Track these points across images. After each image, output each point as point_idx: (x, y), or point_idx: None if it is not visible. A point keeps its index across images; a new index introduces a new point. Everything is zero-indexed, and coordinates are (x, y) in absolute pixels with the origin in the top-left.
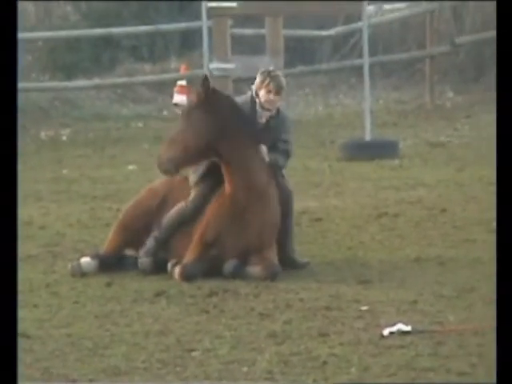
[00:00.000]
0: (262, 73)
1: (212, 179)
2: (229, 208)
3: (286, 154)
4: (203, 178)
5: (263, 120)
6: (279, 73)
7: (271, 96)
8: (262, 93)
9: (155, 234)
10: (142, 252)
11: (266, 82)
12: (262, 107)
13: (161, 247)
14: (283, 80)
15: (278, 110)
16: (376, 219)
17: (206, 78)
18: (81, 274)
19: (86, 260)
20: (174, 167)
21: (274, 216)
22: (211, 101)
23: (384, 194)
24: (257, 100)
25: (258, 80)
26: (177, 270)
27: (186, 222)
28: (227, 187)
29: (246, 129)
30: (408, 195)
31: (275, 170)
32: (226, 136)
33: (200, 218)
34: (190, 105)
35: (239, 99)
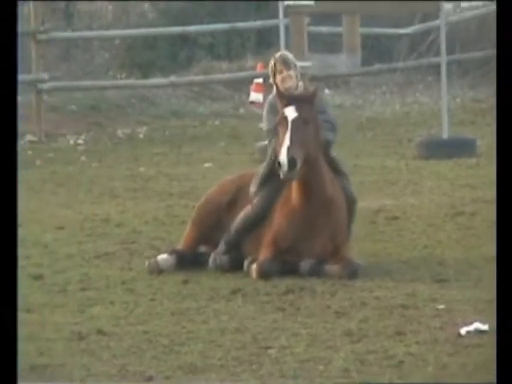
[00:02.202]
0: (270, 61)
1: (275, 180)
2: (299, 216)
3: (333, 129)
4: (266, 179)
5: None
6: (283, 51)
7: (284, 73)
8: (277, 78)
9: (225, 237)
10: (213, 253)
11: (273, 65)
12: (285, 89)
13: (231, 250)
14: (288, 55)
15: (303, 88)
16: (453, 218)
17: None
18: (158, 270)
19: (163, 257)
20: (298, 172)
21: (342, 218)
22: (316, 111)
23: (461, 193)
24: (278, 85)
25: (269, 71)
26: (253, 267)
27: (253, 225)
28: (293, 196)
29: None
30: (485, 194)
31: (338, 172)
32: (320, 149)
33: (267, 219)
34: (307, 112)
35: (270, 96)
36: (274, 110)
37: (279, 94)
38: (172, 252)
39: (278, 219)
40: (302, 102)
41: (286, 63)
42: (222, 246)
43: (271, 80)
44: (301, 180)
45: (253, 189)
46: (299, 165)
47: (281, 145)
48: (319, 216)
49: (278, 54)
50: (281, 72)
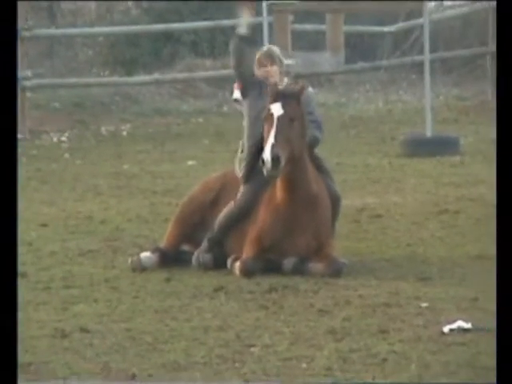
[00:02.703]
0: (257, 55)
1: (258, 177)
2: (283, 214)
3: (318, 126)
4: (250, 175)
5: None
6: (270, 46)
7: (268, 67)
8: (260, 71)
9: (208, 235)
10: (197, 251)
11: (257, 58)
12: (268, 83)
13: (214, 247)
14: (274, 50)
15: (288, 84)
16: (436, 216)
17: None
18: (141, 268)
19: (146, 255)
20: (282, 169)
21: (326, 216)
22: (301, 108)
23: (444, 191)
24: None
25: (255, 65)
26: (237, 265)
27: (236, 221)
28: (278, 194)
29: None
30: (469, 192)
31: (322, 170)
32: (305, 147)
33: (250, 216)
34: (293, 110)
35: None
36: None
37: (268, 89)
38: (155, 250)
39: (262, 216)
40: (289, 98)
41: (270, 57)
42: (205, 244)
43: (255, 73)
44: (285, 177)
45: (240, 172)
46: (283, 162)
47: (265, 141)
48: (303, 213)
49: (264, 48)
50: (265, 66)
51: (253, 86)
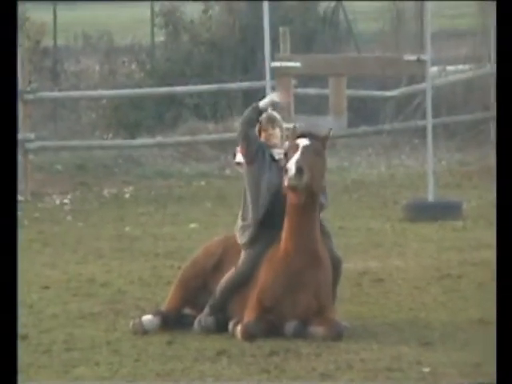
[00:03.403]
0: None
1: (261, 242)
2: (284, 271)
3: (325, 193)
4: (252, 240)
5: (276, 157)
6: (271, 111)
7: (269, 131)
8: (262, 135)
9: (210, 300)
10: (199, 316)
11: (259, 123)
12: (270, 147)
13: (217, 312)
14: (274, 113)
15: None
16: (438, 280)
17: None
18: (143, 331)
19: (147, 318)
20: (305, 186)
21: (328, 278)
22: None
23: (447, 256)
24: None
25: (256, 129)
26: (238, 329)
27: (237, 286)
28: (283, 245)
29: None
30: (471, 257)
31: (324, 232)
32: (320, 194)
33: (252, 280)
34: (318, 146)
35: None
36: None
37: (294, 131)
38: (157, 313)
39: (263, 277)
40: (315, 138)
41: (271, 122)
42: (207, 310)
43: (256, 132)
44: (297, 220)
45: (242, 240)
46: (305, 176)
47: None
48: (305, 269)
49: (266, 113)
50: (266, 130)
51: (258, 151)
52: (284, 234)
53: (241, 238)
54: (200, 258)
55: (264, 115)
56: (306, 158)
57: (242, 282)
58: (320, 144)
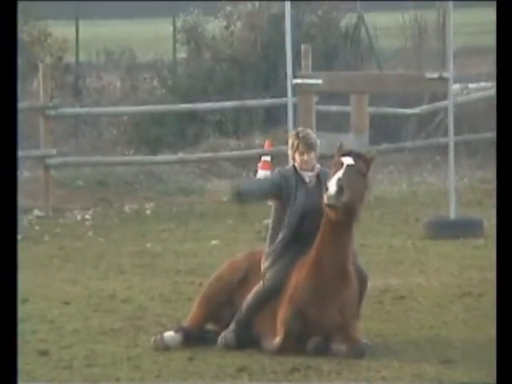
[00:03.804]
0: (291, 135)
1: (288, 257)
2: (313, 283)
3: None
4: (279, 255)
5: (307, 180)
6: (308, 131)
7: (305, 157)
8: (296, 157)
9: (236, 316)
10: (224, 332)
11: (295, 144)
12: (302, 169)
13: (243, 328)
14: (312, 137)
15: (319, 169)
16: (460, 298)
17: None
18: (164, 348)
19: (169, 334)
20: (345, 206)
21: (354, 295)
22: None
23: (468, 274)
24: (296, 165)
25: (289, 144)
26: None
27: (265, 302)
28: (313, 257)
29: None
30: (492, 275)
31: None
32: (359, 212)
33: (279, 295)
34: (362, 166)
35: (284, 170)
36: (281, 178)
37: (340, 149)
38: (178, 329)
39: (292, 288)
40: (360, 158)
41: (309, 146)
42: (232, 325)
43: (289, 153)
44: (329, 236)
45: (264, 265)
46: (345, 196)
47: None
48: (333, 285)
49: (302, 133)
50: (302, 154)
51: (281, 185)
52: (315, 249)
53: (263, 264)
54: (225, 273)
55: (301, 135)
56: (348, 177)
57: (270, 297)
58: (364, 165)
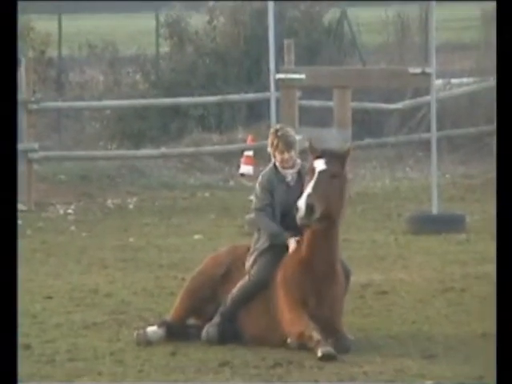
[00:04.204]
0: (271, 133)
1: (274, 251)
2: (305, 278)
3: None
4: (265, 250)
5: (289, 178)
6: (286, 129)
7: (285, 156)
8: (276, 155)
9: (221, 309)
10: (207, 326)
11: (275, 143)
12: (283, 167)
13: (227, 321)
14: (290, 135)
15: (300, 165)
16: (442, 293)
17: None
18: (146, 342)
19: (152, 329)
20: (317, 221)
21: (341, 291)
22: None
23: (450, 269)
24: (276, 163)
25: (269, 142)
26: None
27: (251, 295)
28: (304, 254)
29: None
30: (475, 270)
31: None
32: (342, 211)
33: (265, 289)
34: (335, 167)
35: (266, 173)
36: (269, 186)
37: (311, 147)
38: (161, 324)
39: (281, 281)
40: (333, 157)
41: (288, 144)
42: (217, 318)
43: (269, 151)
44: (318, 233)
45: (249, 260)
46: (317, 212)
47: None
48: (324, 280)
49: (281, 131)
50: (282, 152)
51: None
52: (304, 245)
53: (248, 259)
54: (208, 267)
55: (280, 134)
56: (321, 186)
57: (256, 292)
58: (339, 163)
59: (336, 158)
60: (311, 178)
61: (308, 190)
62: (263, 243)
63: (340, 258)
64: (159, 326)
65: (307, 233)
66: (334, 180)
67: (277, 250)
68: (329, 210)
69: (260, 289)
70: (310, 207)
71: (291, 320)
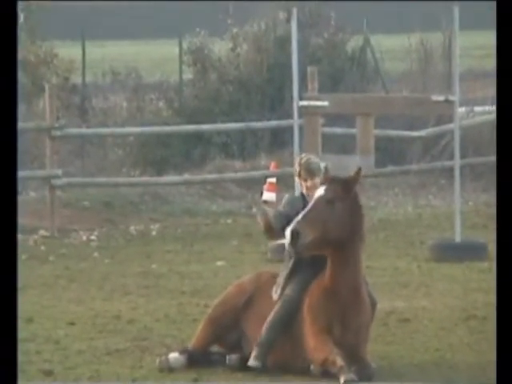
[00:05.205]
0: (296, 162)
1: (302, 275)
2: (330, 305)
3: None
4: (293, 274)
5: None
6: (309, 156)
7: (308, 183)
8: (301, 183)
9: (258, 340)
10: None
11: (298, 171)
12: (308, 195)
13: (268, 351)
14: (313, 162)
15: None
16: (464, 321)
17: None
18: (169, 369)
19: (174, 355)
20: (306, 247)
21: (367, 318)
22: (353, 196)
23: (473, 297)
24: (303, 190)
25: (294, 170)
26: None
27: (287, 321)
28: (328, 282)
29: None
30: None
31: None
32: (356, 234)
33: (298, 313)
34: (334, 193)
35: (291, 196)
36: (290, 207)
37: (324, 175)
38: (183, 351)
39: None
40: (336, 182)
41: (311, 172)
42: (256, 351)
43: (296, 179)
44: (336, 260)
45: (275, 295)
46: (305, 239)
47: None
48: (349, 306)
49: (304, 160)
50: (305, 180)
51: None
52: (327, 273)
53: (277, 285)
54: (231, 295)
55: (303, 162)
56: (312, 214)
57: (291, 315)
58: (340, 188)
59: (338, 184)
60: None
61: (298, 217)
62: (287, 266)
63: (366, 287)
64: (181, 352)
65: (328, 260)
66: (331, 205)
67: (305, 273)
68: (328, 235)
69: (293, 312)
70: (294, 233)
71: (315, 347)
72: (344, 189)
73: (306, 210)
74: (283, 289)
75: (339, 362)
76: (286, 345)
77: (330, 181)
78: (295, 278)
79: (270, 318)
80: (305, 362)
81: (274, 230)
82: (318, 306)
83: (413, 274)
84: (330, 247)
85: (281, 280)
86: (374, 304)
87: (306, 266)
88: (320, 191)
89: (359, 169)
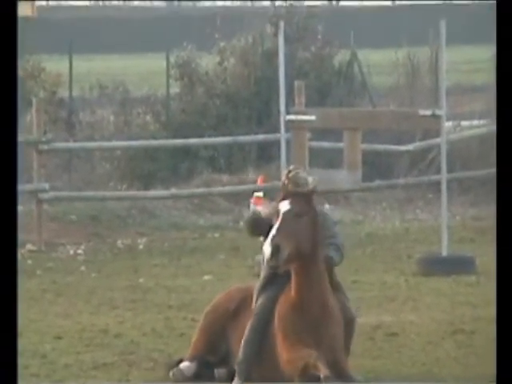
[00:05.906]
0: (283, 174)
1: (272, 288)
2: (299, 320)
3: (339, 249)
4: (264, 288)
5: None
6: (297, 171)
7: None
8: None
9: (237, 359)
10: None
11: (284, 185)
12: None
13: (248, 368)
14: (300, 177)
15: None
16: (452, 335)
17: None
18: (184, 379)
19: (185, 364)
20: (285, 261)
21: (340, 330)
22: (314, 209)
23: (460, 311)
24: None
25: (281, 184)
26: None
27: (260, 334)
28: (295, 296)
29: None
30: (485, 312)
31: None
32: (318, 247)
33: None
34: (300, 206)
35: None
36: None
37: (283, 191)
38: (191, 358)
39: (279, 327)
40: (298, 196)
41: (297, 185)
42: (237, 369)
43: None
44: (301, 273)
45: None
46: (284, 253)
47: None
48: (321, 322)
49: (291, 173)
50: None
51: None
52: (294, 291)
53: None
54: (221, 300)
55: (290, 181)
56: (284, 228)
57: (262, 328)
58: (304, 202)
59: (301, 198)
60: (277, 220)
61: (272, 232)
62: (261, 282)
63: (344, 303)
64: (190, 360)
65: (293, 274)
66: (299, 219)
67: (274, 287)
68: (299, 248)
69: (264, 325)
70: (275, 248)
71: (288, 360)
72: (306, 202)
73: (278, 224)
74: (256, 301)
75: (322, 368)
76: (266, 358)
77: (292, 195)
78: (266, 290)
79: (245, 334)
80: (284, 376)
81: (258, 226)
82: (286, 320)
83: (400, 288)
84: (300, 260)
85: (255, 293)
86: (351, 319)
87: (276, 277)
88: (285, 205)
89: (315, 180)
